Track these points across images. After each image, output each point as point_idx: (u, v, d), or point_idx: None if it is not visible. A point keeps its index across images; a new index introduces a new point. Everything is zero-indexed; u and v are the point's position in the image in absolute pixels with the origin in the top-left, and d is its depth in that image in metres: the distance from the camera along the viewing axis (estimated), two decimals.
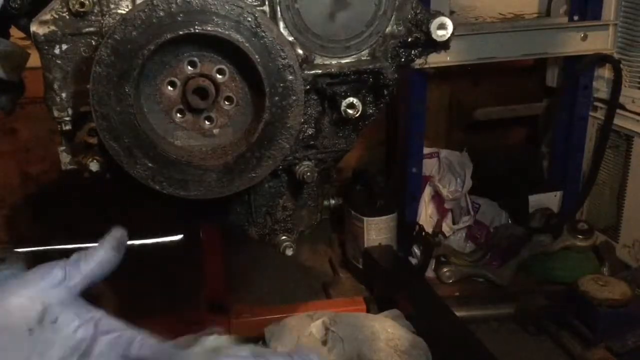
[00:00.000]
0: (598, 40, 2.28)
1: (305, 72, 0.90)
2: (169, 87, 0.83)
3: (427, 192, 2.47)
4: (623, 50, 2.28)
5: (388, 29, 0.94)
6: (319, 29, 0.91)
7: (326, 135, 0.99)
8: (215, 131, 0.86)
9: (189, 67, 0.82)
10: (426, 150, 2.45)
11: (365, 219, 2.31)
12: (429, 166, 2.50)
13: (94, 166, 0.89)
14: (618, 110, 2.30)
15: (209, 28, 0.77)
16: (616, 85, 2.26)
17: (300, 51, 0.90)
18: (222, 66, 0.83)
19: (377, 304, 2.08)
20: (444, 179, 2.47)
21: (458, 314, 1.91)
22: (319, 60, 0.92)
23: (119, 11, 0.85)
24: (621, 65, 2.25)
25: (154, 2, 0.75)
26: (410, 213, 2.43)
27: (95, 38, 0.86)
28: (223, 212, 1.06)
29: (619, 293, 1.90)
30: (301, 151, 0.99)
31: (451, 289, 2.31)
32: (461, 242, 2.49)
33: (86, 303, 0.63)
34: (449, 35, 0.93)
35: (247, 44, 0.78)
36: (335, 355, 1.71)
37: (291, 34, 0.90)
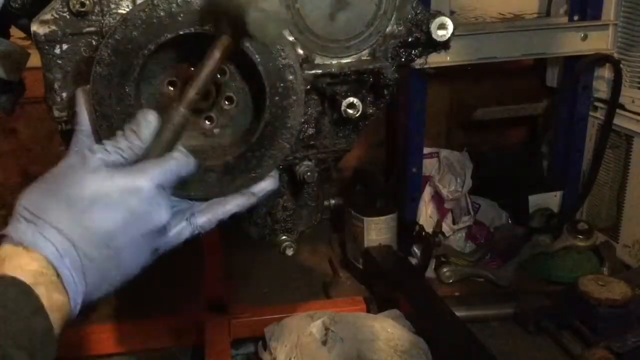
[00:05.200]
0: (598, 40, 2.28)
1: (306, 72, 0.90)
2: (170, 87, 0.83)
3: (427, 192, 2.47)
4: (623, 50, 2.28)
5: (388, 29, 0.94)
6: (319, 29, 0.91)
7: (326, 135, 0.99)
8: (216, 131, 0.86)
9: (190, 67, 0.82)
10: (426, 150, 2.45)
11: (365, 219, 2.31)
12: (429, 166, 2.50)
13: None
14: (618, 110, 2.30)
15: (209, 28, 0.77)
16: (616, 85, 2.26)
17: (300, 51, 0.90)
18: (223, 66, 0.82)
19: (377, 304, 2.08)
20: (444, 179, 2.47)
21: (458, 314, 1.91)
22: (319, 60, 0.93)
23: (120, 11, 0.85)
24: (621, 65, 2.25)
25: (155, 2, 0.75)
26: (410, 213, 2.43)
27: (96, 38, 0.86)
28: None
29: (619, 293, 1.90)
30: (301, 151, 0.99)
31: (451, 289, 2.31)
32: (461, 242, 2.49)
33: None
34: (449, 35, 0.93)
35: (247, 44, 0.78)
36: (335, 355, 1.71)
37: (291, 34, 0.90)
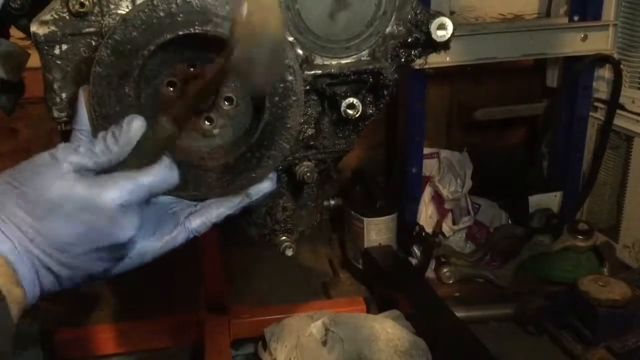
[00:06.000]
0: (598, 41, 2.28)
1: (305, 72, 0.90)
2: (169, 88, 0.83)
3: (427, 192, 2.47)
4: (623, 51, 2.28)
5: (388, 30, 0.94)
6: (319, 29, 0.91)
7: (326, 135, 0.99)
8: (215, 131, 0.86)
9: (189, 68, 0.82)
10: (426, 151, 2.45)
11: (365, 219, 2.31)
12: (429, 166, 2.50)
13: None
14: (618, 111, 2.30)
15: (208, 28, 0.77)
16: (616, 86, 2.27)
17: (300, 51, 0.90)
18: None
19: (377, 304, 2.08)
20: (444, 179, 2.47)
21: (458, 314, 1.91)
22: (319, 61, 0.92)
23: (119, 11, 0.85)
24: (621, 66, 2.25)
25: (154, 2, 0.75)
26: (410, 213, 2.43)
27: (95, 38, 0.85)
28: None
29: (619, 293, 1.90)
30: (301, 151, 0.99)
31: (451, 289, 2.31)
32: (461, 242, 2.49)
33: None
34: (449, 35, 0.93)
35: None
36: (335, 356, 1.71)
37: (291, 35, 0.90)
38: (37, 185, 0.67)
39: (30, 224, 0.66)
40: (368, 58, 0.94)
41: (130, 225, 0.69)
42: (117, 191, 0.67)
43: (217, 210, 0.81)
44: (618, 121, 2.31)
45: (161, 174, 0.71)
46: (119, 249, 0.71)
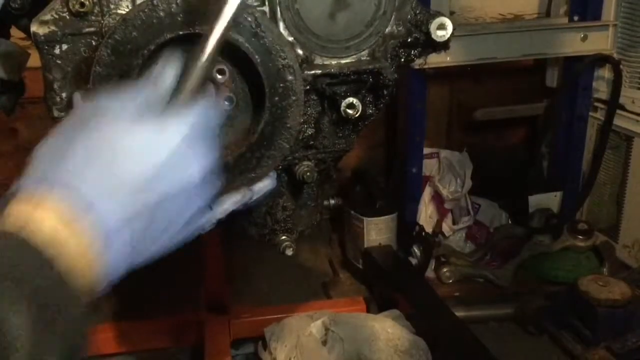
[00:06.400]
0: (598, 41, 2.28)
1: (305, 72, 0.90)
2: None
3: (427, 192, 2.47)
4: (623, 51, 2.28)
5: (388, 29, 0.94)
6: (319, 29, 0.91)
7: (326, 135, 0.99)
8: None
9: None
10: (426, 150, 2.45)
11: (365, 219, 2.31)
12: (429, 166, 2.50)
13: None
14: (618, 111, 2.30)
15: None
16: (616, 86, 2.26)
17: (300, 51, 0.90)
18: (222, 66, 0.82)
19: (377, 304, 2.08)
20: (444, 179, 2.47)
21: (458, 314, 1.91)
22: (318, 61, 0.93)
23: (119, 11, 0.85)
24: (621, 66, 2.25)
25: (154, 2, 0.75)
26: (410, 213, 2.43)
27: (96, 38, 0.86)
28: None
29: (619, 293, 1.90)
30: (301, 151, 0.99)
31: (451, 289, 2.31)
32: (461, 242, 2.49)
33: None
34: (448, 35, 0.93)
35: (247, 44, 0.78)
36: (335, 356, 1.71)
37: (291, 34, 0.90)
38: (96, 133, 0.61)
39: (93, 177, 0.59)
40: (368, 58, 0.94)
41: (197, 161, 0.64)
42: (177, 125, 0.64)
43: (221, 207, 0.81)
44: (618, 121, 2.31)
45: (207, 106, 0.68)
46: (192, 197, 0.66)
